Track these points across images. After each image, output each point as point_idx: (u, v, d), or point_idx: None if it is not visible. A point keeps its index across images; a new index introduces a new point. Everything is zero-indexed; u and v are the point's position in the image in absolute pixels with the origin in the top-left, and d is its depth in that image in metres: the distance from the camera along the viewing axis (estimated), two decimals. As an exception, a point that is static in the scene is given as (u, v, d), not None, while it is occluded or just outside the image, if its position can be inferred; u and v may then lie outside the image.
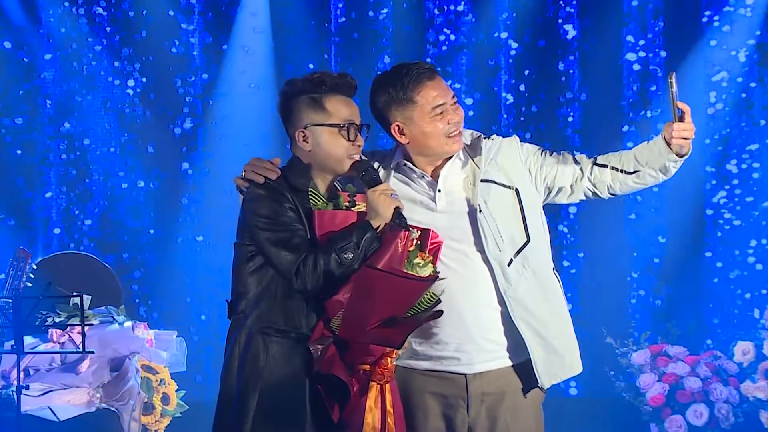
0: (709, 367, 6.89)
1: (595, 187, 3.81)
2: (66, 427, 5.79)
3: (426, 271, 3.56)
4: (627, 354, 7.03)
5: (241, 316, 3.59)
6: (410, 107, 3.71)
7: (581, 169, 3.80)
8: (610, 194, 3.83)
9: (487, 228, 3.70)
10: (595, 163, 3.80)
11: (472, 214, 3.72)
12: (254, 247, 3.57)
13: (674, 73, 3.57)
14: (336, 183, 3.71)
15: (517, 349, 3.73)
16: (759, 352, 6.83)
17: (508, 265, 3.70)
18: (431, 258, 3.60)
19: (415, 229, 3.61)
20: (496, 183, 3.75)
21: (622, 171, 3.77)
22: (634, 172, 3.76)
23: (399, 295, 3.50)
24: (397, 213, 3.57)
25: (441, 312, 3.59)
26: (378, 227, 3.54)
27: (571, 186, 3.81)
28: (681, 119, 3.64)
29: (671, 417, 6.87)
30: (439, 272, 3.60)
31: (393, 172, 3.81)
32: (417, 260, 3.55)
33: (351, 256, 3.48)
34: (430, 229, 3.65)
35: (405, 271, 3.51)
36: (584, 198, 3.86)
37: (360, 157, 3.65)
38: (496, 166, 3.76)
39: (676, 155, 3.68)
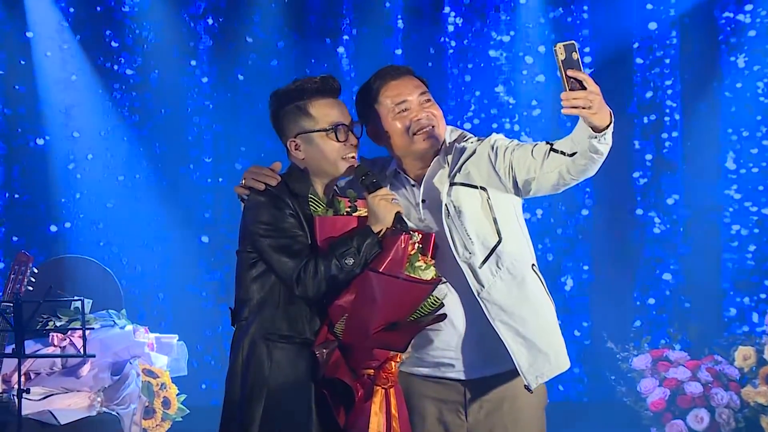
0: (710, 372, 6.88)
1: (552, 174, 3.60)
2: (67, 430, 5.78)
3: (428, 275, 3.54)
4: (628, 359, 7.02)
5: (244, 323, 3.59)
6: (376, 107, 3.72)
7: (535, 158, 3.61)
8: (567, 179, 3.59)
9: (454, 231, 3.66)
10: (552, 149, 3.60)
11: (441, 218, 3.68)
12: (256, 254, 3.57)
13: (561, 44, 3.37)
14: (336, 188, 3.71)
15: (509, 352, 3.67)
16: (760, 357, 6.82)
17: (480, 266, 3.65)
18: (433, 261, 3.59)
19: (417, 233, 3.60)
20: (464, 185, 3.70)
21: (566, 154, 3.56)
22: (572, 154, 3.54)
23: (401, 298, 3.49)
24: (398, 217, 3.56)
25: (444, 315, 3.58)
26: (379, 232, 3.53)
27: (533, 178, 3.64)
28: (582, 88, 3.35)
29: (672, 422, 6.85)
30: (441, 276, 3.60)
31: (391, 179, 3.81)
32: (419, 263, 3.54)
33: (352, 261, 3.47)
34: (432, 233, 3.64)
35: (407, 274, 3.50)
36: (554, 187, 3.65)
37: (358, 162, 3.65)
38: (466, 167, 3.70)
39: (593, 130, 3.42)
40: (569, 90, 3.36)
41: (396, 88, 3.72)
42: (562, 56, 3.36)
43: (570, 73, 3.36)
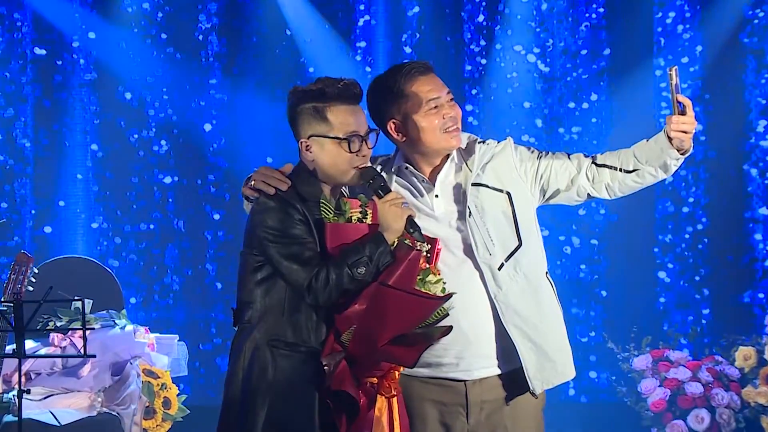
0: (711, 373, 6.88)
1: (593, 187, 3.74)
2: (67, 431, 5.78)
3: (437, 289, 3.52)
4: (628, 359, 7.03)
5: (246, 325, 3.55)
6: (404, 102, 3.67)
7: (577, 170, 3.74)
8: (609, 195, 3.76)
9: (476, 232, 3.66)
10: (593, 162, 3.73)
11: (464, 218, 3.69)
12: (262, 258, 3.52)
13: (675, 67, 3.52)
14: (343, 191, 3.66)
15: (516, 355, 3.69)
16: (760, 357, 6.82)
17: (499, 269, 3.66)
18: (442, 277, 3.56)
19: (425, 243, 3.56)
20: (487, 187, 3.71)
21: (621, 170, 3.69)
22: (634, 170, 3.68)
23: (412, 313, 3.47)
24: (410, 221, 3.51)
25: (451, 328, 3.55)
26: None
27: (568, 187, 3.75)
28: (683, 113, 3.57)
29: (673, 422, 6.86)
30: (449, 290, 3.55)
31: (395, 176, 3.79)
32: (429, 278, 3.52)
33: (363, 270, 3.43)
34: (436, 239, 3.62)
35: (418, 289, 3.48)
36: (583, 199, 3.79)
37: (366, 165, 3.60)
38: (489, 169, 3.72)
39: (677, 151, 3.62)
40: (678, 114, 3.56)
41: (426, 83, 3.69)
42: (674, 80, 3.51)
43: (680, 98, 3.53)
